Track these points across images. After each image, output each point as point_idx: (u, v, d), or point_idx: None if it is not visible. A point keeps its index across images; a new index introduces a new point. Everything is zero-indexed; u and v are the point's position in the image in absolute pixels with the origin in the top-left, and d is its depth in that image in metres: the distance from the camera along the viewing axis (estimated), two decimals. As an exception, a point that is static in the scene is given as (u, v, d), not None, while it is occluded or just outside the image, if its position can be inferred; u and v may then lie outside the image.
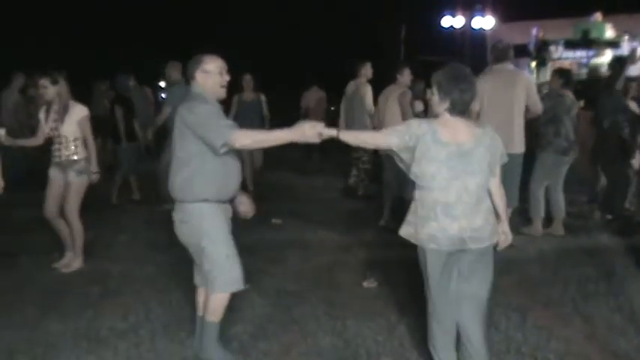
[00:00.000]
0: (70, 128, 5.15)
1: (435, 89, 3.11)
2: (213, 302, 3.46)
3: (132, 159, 7.95)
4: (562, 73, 6.41)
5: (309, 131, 3.17)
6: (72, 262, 5.33)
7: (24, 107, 10.75)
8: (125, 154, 7.89)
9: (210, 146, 3.24)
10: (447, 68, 3.11)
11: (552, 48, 12.95)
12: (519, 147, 5.67)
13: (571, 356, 3.63)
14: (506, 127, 5.58)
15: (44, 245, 5.81)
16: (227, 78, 3.41)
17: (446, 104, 3.06)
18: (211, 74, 3.35)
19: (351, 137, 3.31)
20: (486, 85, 5.67)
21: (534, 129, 6.20)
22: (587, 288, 4.70)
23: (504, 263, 5.30)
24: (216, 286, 3.41)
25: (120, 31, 24.60)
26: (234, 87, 7.31)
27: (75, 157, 5.17)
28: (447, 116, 3.08)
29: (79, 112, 5.21)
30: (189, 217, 3.38)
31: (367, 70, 7.83)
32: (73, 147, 5.16)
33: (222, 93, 3.41)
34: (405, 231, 3.21)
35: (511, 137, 5.60)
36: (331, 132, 3.18)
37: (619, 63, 7.67)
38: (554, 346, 3.74)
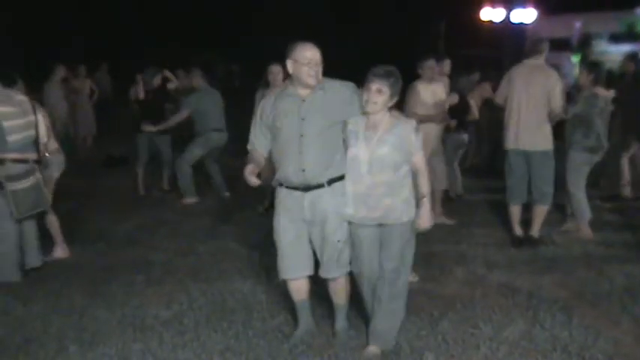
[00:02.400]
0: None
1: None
2: None
3: (157, 150, 7.94)
4: (591, 68, 5.87)
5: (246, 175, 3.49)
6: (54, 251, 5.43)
7: (66, 98, 11.02)
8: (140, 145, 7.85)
9: None
10: None
11: (596, 42, 12.69)
12: (549, 143, 5.55)
13: (620, 357, 3.55)
14: (537, 123, 5.48)
15: (90, 234, 5.99)
16: (316, 68, 3.43)
17: None
18: (298, 64, 3.43)
19: None
20: (517, 81, 5.58)
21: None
22: (635, 287, 4.58)
23: (548, 261, 5.23)
24: None
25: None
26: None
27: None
28: None
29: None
30: None
31: (445, 66, 7.43)
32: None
33: (310, 81, 3.44)
34: None
35: (542, 133, 5.50)
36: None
37: (632, 60, 7.50)
38: (602, 347, 3.65)
